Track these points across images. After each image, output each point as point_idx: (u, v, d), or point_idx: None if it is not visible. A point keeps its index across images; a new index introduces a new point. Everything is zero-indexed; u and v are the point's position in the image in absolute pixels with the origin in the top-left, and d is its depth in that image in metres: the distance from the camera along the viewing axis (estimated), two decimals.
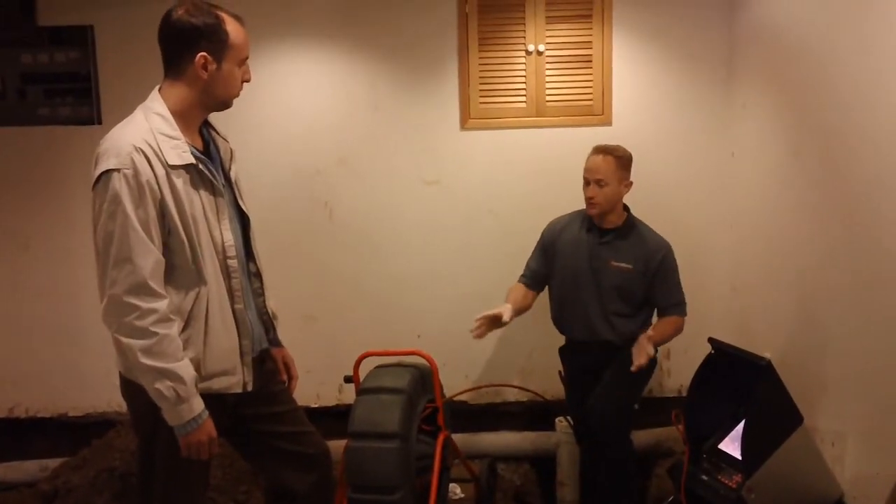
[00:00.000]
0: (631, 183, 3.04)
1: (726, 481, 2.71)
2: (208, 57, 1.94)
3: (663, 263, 3.02)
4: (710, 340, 2.91)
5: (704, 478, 2.79)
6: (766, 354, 2.74)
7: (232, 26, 1.98)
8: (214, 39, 1.95)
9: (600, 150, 3.03)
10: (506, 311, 2.98)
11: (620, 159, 3.01)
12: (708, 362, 2.91)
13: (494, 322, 2.98)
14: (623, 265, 3.02)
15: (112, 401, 3.62)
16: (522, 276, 3.24)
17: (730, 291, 3.69)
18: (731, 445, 2.84)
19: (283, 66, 3.62)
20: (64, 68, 3.57)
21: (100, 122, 3.57)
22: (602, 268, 3.05)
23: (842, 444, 2.70)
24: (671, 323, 3.06)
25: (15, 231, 3.68)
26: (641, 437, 3.44)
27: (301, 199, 3.70)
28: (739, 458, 2.71)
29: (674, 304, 3.07)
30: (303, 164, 3.69)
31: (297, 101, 3.66)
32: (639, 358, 2.88)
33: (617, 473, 2.98)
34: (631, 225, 3.08)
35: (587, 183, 3.02)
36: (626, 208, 3.11)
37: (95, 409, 3.72)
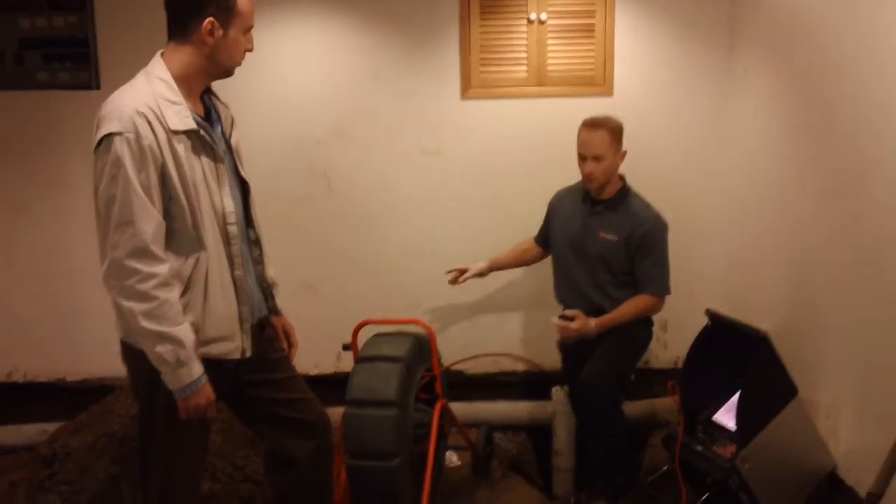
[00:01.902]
0: (625, 152, 3.02)
1: (721, 451, 2.75)
2: (216, 23, 1.94)
3: (645, 238, 2.98)
4: (708, 312, 2.93)
5: (699, 448, 2.82)
6: (763, 327, 2.75)
7: None
8: (223, 6, 1.94)
9: (591, 124, 2.98)
10: (477, 264, 3.33)
11: (613, 131, 2.97)
12: (705, 334, 2.93)
13: (463, 272, 3.31)
14: (609, 236, 3.01)
15: (110, 366, 3.59)
16: (537, 234, 3.35)
17: (727, 265, 3.70)
18: (726, 416, 2.87)
19: (284, 34, 3.59)
20: (62, 33, 3.54)
21: (98, 87, 3.54)
22: (590, 238, 3.05)
23: (836, 417, 2.73)
24: (637, 302, 3.02)
25: (12, 196, 3.67)
26: (637, 407, 3.46)
27: (300, 168, 3.69)
28: (734, 428, 2.74)
29: (647, 281, 3.01)
30: (302, 134, 3.67)
31: (297, 70, 3.63)
32: (567, 323, 2.99)
33: (609, 443, 3.01)
34: (623, 196, 3.06)
35: (583, 159, 2.99)
36: (622, 178, 3.09)
37: (93, 374, 3.74)
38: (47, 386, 3.78)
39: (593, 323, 2.98)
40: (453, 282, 3.34)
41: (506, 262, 3.41)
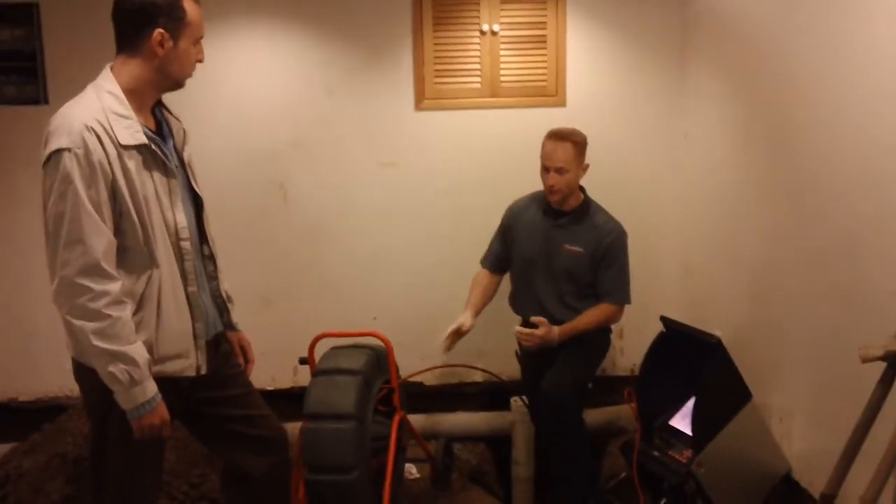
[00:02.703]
0: (587, 165, 3.05)
1: (677, 457, 2.78)
2: (165, 34, 1.91)
3: (610, 248, 3.01)
4: (662, 319, 2.97)
5: (656, 454, 2.85)
6: (717, 332, 2.80)
7: (189, 4, 1.96)
8: (173, 17, 1.92)
9: (557, 135, 2.99)
10: (465, 319, 3.06)
11: (578, 144, 2.98)
12: (660, 341, 2.96)
13: (459, 334, 3.05)
14: (575, 249, 3.03)
15: (63, 385, 3.55)
16: (486, 259, 3.27)
17: (682, 271, 3.76)
18: (682, 422, 2.91)
19: (236, 46, 3.56)
20: (8, 46, 3.46)
21: (46, 102, 3.47)
22: (555, 251, 3.07)
23: (789, 421, 2.78)
24: (599, 312, 3.04)
25: None
26: (595, 415, 3.49)
27: (255, 181, 3.66)
28: (690, 433, 2.78)
29: (610, 291, 3.04)
30: (257, 146, 3.64)
31: (250, 82, 3.60)
32: (531, 331, 2.95)
33: (570, 452, 3.03)
34: (586, 208, 3.09)
35: (546, 170, 2.98)
36: (582, 190, 3.12)
37: (46, 393, 3.65)
38: None
39: (556, 331, 2.99)
40: (450, 348, 3.09)
41: (481, 303, 3.18)
